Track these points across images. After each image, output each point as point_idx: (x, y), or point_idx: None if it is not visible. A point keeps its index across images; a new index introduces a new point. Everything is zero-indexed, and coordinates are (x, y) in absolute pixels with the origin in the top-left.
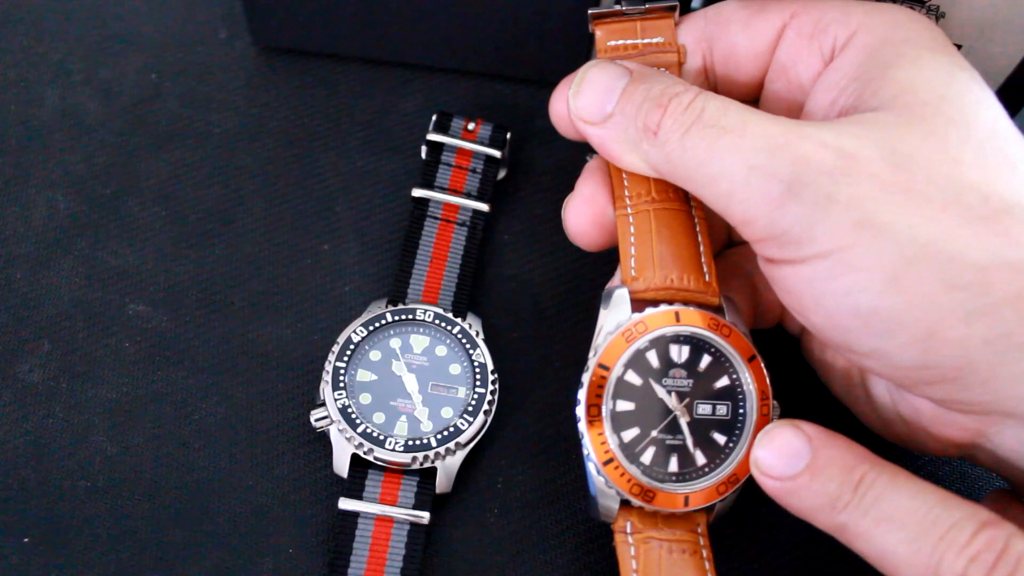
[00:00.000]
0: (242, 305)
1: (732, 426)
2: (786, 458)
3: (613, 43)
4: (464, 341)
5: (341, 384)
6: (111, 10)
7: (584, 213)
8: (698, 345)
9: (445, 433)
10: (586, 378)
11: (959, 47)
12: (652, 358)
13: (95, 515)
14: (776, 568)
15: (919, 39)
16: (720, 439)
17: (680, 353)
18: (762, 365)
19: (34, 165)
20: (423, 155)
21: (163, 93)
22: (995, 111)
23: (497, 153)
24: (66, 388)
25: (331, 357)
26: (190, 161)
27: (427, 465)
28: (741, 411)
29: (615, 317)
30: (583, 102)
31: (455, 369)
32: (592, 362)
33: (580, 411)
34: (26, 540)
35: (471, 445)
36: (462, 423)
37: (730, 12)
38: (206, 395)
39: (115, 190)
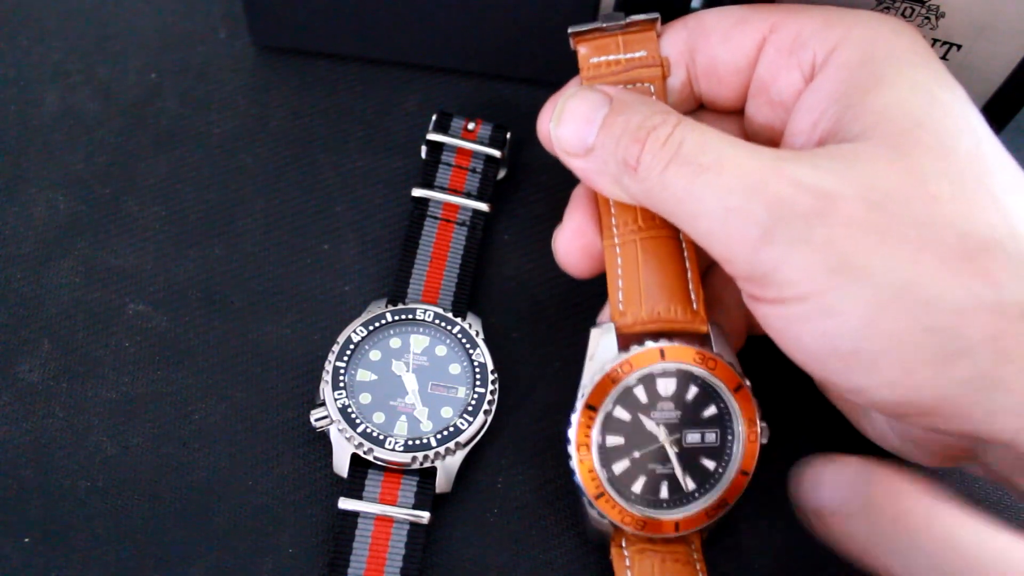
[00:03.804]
0: (242, 305)
1: (721, 452)
2: (834, 493)
3: (596, 60)
4: (464, 341)
5: (341, 384)
6: (111, 10)
7: (574, 244)
8: (685, 378)
9: (445, 433)
10: (575, 418)
11: (959, 47)
12: (640, 394)
13: (95, 515)
14: (770, 573)
15: (901, 54)
16: (709, 465)
17: (667, 387)
18: (749, 393)
19: (34, 165)
20: (423, 155)
21: (163, 93)
22: (977, 134)
23: (497, 153)
24: (66, 388)
25: (331, 357)
26: (190, 161)
27: (427, 465)
28: (729, 437)
29: (601, 356)
30: (564, 134)
31: (455, 369)
32: (580, 403)
33: (571, 449)
34: (26, 540)
35: (471, 445)
36: (462, 423)
37: (711, 22)
38: (206, 395)
39: (115, 190)
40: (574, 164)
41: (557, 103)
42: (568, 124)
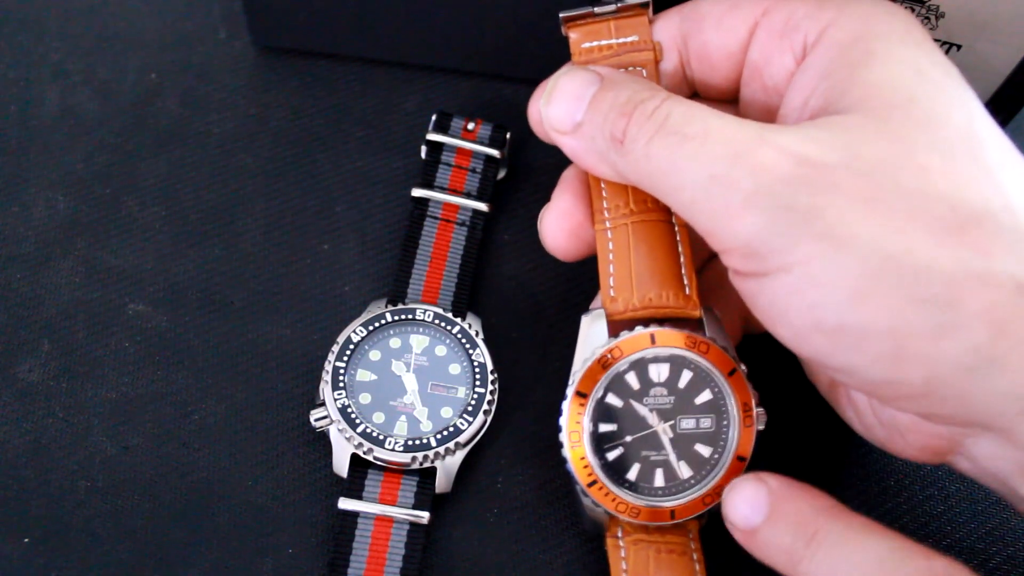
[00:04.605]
0: (242, 305)
1: (716, 438)
2: (747, 509)
3: (587, 45)
4: (464, 341)
5: (341, 384)
6: (111, 10)
7: (561, 226)
8: (677, 363)
9: (445, 433)
10: (565, 406)
11: (959, 47)
12: (632, 380)
13: (95, 515)
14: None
15: (892, 33)
16: (705, 451)
17: (659, 373)
18: (744, 377)
19: (34, 165)
20: (423, 155)
21: (163, 93)
22: (968, 110)
23: (497, 153)
24: (66, 388)
25: (331, 357)
26: (190, 161)
27: (427, 465)
28: (725, 423)
29: (591, 343)
30: (553, 111)
31: (455, 369)
32: (570, 391)
33: (563, 437)
34: (26, 540)
35: (471, 445)
36: (462, 423)
37: (705, 9)
38: (206, 395)
39: (115, 190)
40: (562, 142)
41: (548, 84)
42: (558, 102)
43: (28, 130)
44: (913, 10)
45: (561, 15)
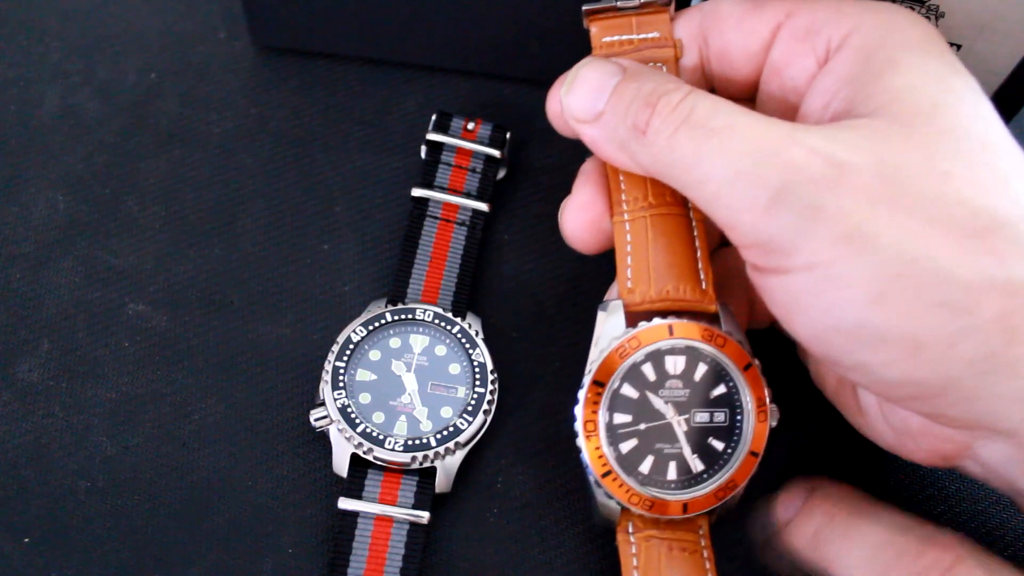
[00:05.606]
0: (242, 305)
1: (730, 432)
2: (784, 508)
3: (608, 39)
4: (464, 341)
5: (341, 384)
6: (111, 10)
7: (581, 218)
8: (694, 356)
9: (445, 433)
10: (582, 394)
11: (959, 47)
12: (648, 371)
13: (95, 515)
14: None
15: (915, 42)
16: (718, 445)
17: (676, 365)
18: (758, 372)
19: (34, 165)
20: (423, 155)
21: (163, 93)
22: (988, 121)
23: (497, 153)
24: (66, 388)
25: (331, 357)
26: (190, 161)
27: (427, 465)
28: (739, 417)
29: (609, 332)
30: (575, 100)
31: (455, 369)
32: (587, 379)
33: (577, 426)
34: (26, 540)
35: (471, 445)
36: (461, 423)
37: (726, 8)
38: (206, 395)
39: (115, 190)
40: (583, 130)
41: (569, 74)
42: (580, 90)
43: (28, 130)
44: (912, 10)
45: (584, 8)
